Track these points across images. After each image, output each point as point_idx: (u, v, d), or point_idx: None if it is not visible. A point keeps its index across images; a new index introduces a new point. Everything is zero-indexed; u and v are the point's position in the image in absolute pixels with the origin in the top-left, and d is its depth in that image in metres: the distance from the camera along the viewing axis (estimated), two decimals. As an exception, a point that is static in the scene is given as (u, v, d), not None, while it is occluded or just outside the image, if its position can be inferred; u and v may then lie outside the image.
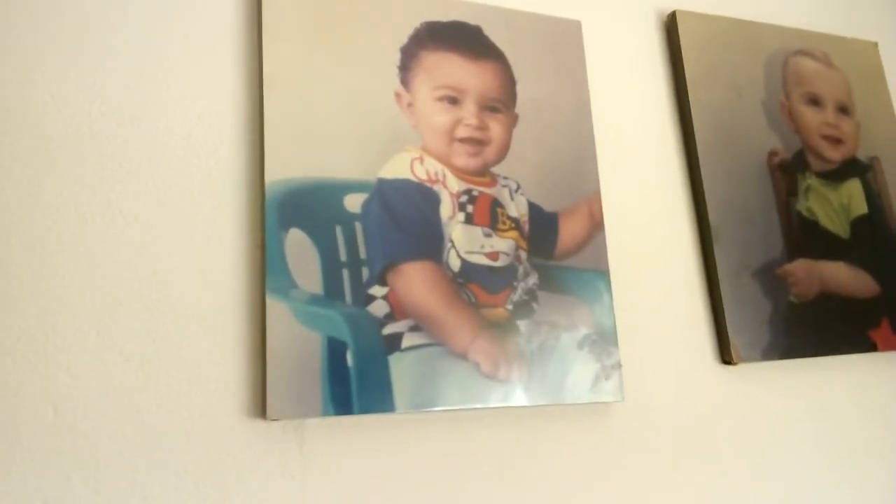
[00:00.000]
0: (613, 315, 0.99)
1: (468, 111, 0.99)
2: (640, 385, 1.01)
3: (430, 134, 0.96)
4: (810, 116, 1.28)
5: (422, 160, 0.94)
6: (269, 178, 0.86)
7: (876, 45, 1.42)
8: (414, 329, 0.87)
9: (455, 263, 0.92)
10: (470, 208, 0.95)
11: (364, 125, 0.93)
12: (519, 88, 1.04)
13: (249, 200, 0.87)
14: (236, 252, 0.85)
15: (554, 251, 0.99)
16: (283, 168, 0.87)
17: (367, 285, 0.87)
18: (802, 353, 1.11)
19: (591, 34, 1.15)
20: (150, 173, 0.84)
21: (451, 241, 0.93)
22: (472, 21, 1.04)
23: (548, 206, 1.01)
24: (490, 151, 0.99)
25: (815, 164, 1.25)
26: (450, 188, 0.95)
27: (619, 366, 0.97)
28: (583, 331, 0.97)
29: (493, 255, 0.95)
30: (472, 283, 0.92)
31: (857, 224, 1.25)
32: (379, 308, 0.87)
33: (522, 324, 0.94)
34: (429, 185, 0.94)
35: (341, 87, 0.93)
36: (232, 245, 0.85)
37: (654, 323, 1.06)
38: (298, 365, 0.81)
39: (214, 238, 0.85)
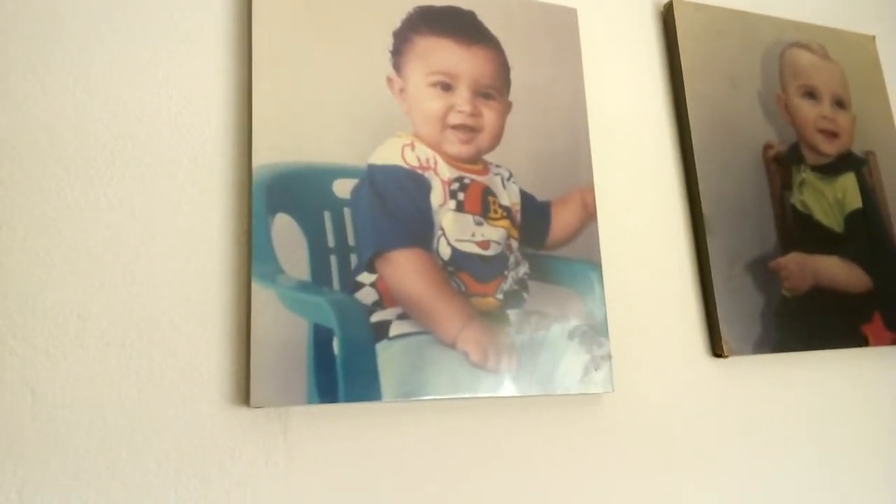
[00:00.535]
0: (604, 306, 0.98)
1: (461, 97, 0.98)
2: (630, 376, 1.00)
3: (422, 120, 0.95)
4: (806, 109, 1.27)
5: (413, 146, 0.93)
6: (256, 162, 0.85)
7: (873, 38, 1.41)
8: (402, 317, 0.86)
9: (445, 251, 0.91)
10: (461, 196, 0.94)
11: (355, 110, 0.92)
12: (513, 75, 1.03)
13: (236, 184, 0.86)
14: (222, 236, 0.84)
15: (546, 241, 0.98)
16: (271, 152, 0.86)
17: (356, 272, 0.86)
18: (794, 346, 1.11)
19: (587, 22, 1.14)
20: (135, 156, 0.83)
21: (442, 229, 0.92)
22: (465, 6, 1.02)
23: (540, 196, 1.00)
24: (483, 139, 0.98)
25: (811, 157, 1.24)
26: (441, 175, 0.94)
27: (609, 357, 0.96)
28: (573, 321, 0.96)
29: (484, 244, 0.94)
30: (462, 271, 0.91)
31: (852, 218, 1.24)
32: (367, 295, 0.85)
33: (513, 313, 0.93)
34: (420, 171, 0.93)
35: (332, 72, 0.92)
36: (218, 229, 0.84)
37: (645, 314, 1.05)
38: (284, 352, 0.80)
39: (200, 222, 0.83)
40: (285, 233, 0.84)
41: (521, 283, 0.94)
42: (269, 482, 0.79)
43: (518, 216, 0.97)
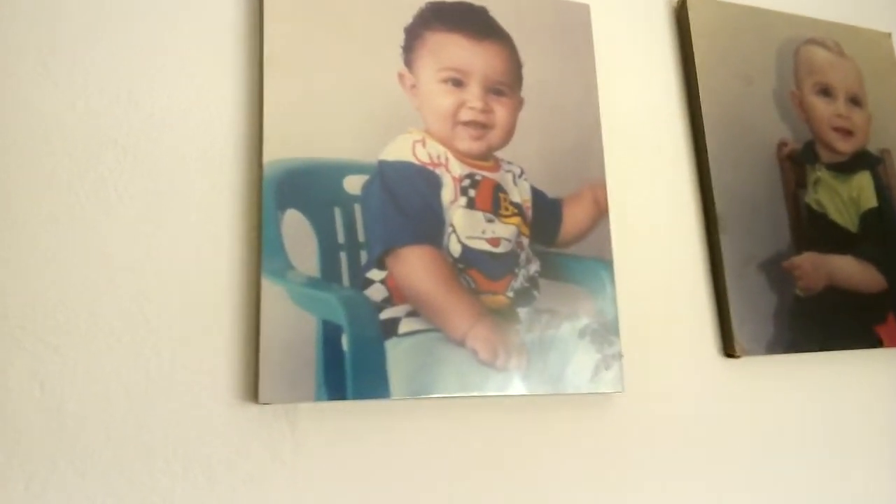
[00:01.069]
0: (615, 304, 0.98)
1: (472, 94, 0.97)
2: (640, 376, 1.00)
3: (433, 116, 0.94)
4: (821, 107, 1.25)
5: (424, 143, 0.93)
6: (267, 157, 0.84)
7: (889, 35, 1.39)
8: (411, 314, 0.86)
9: (455, 248, 0.90)
10: (472, 193, 0.94)
11: (365, 106, 0.91)
12: (525, 71, 1.02)
13: (246, 180, 0.86)
14: (232, 232, 0.83)
15: (557, 238, 0.98)
16: (282, 148, 0.85)
17: (366, 269, 0.85)
18: (807, 347, 1.10)
19: (600, 18, 1.13)
20: (145, 151, 0.82)
21: (452, 226, 0.91)
22: (477, 2, 1.02)
23: (551, 193, 0.99)
24: (494, 135, 0.97)
25: (825, 155, 1.22)
26: (452, 172, 0.93)
27: (619, 356, 0.95)
28: (584, 320, 0.95)
29: (495, 241, 0.93)
30: (472, 268, 0.91)
31: (867, 218, 1.22)
32: (377, 292, 0.85)
33: (523, 311, 0.92)
34: (431, 168, 0.92)
35: (343, 68, 0.91)
36: (227, 225, 0.84)
37: (656, 313, 1.04)
38: (292, 348, 0.79)
39: (210, 217, 0.83)
40: (295, 229, 0.83)
41: (532, 281, 0.94)
42: (277, 479, 0.79)
43: (529, 213, 0.97)
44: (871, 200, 1.24)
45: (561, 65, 1.05)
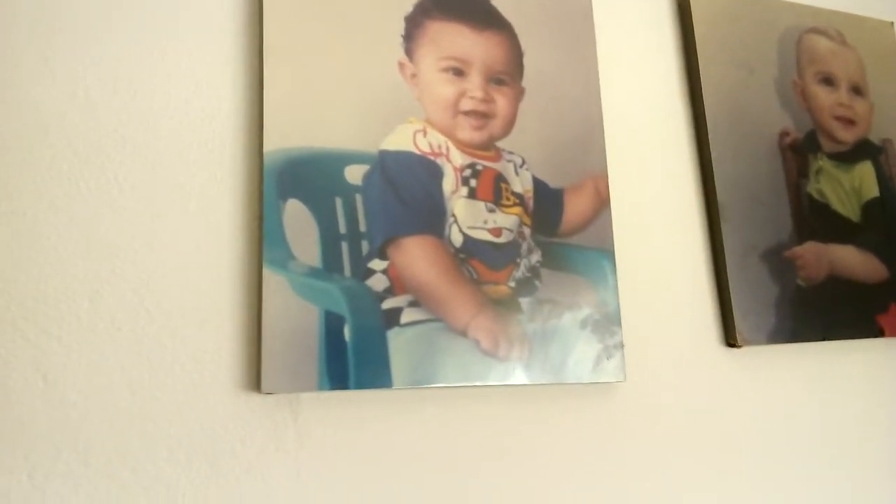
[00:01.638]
0: (617, 294, 0.98)
1: (473, 83, 0.97)
2: (642, 366, 1.00)
3: (434, 106, 0.94)
4: (823, 96, 1.25)
5: (425, 132, 0.92)
6: (267, 147, 0.84)
7: (891, 24, 1.38)
8: (413, 304, 0.86)
9: (457, 238, 0.90)
10: (473, 182, 0.93)
11: (366, 96, 0.91)
12: (526, 60, 1.01)
13: (247, 170, 0.85)
14: (233, 222, 0.83)
15: (558, 228, 0.97)
16: (283, 138, 0.85)
17: (367, 259, 0.85)
18: (809, 337, 1.10)
19: (601, 6, 1.12)
20: (145, 141, 0.82)
21: (454, 216, 0.91)
22: (478, -10, 1.01)
23: (553, 183, 0.99)
24: (495, 125, 0.97)
25: (827, 145, 1.22)
26: (453, 162, 0.93)
27: (621, 346, 0.96)
28: (586, 310, 0.95)
29: (496, 231, 0.93)
30: (473, 258, 0.90)
31: (868, 207, 1.22)
32: (378, 282, 0.85)
33: (524, 301, 0.92)
34: (432, 158, 0.92)
35: (343, 57, 0.91)
36: (229, 215, 0.83)
37: (658, 303, 1.04)
38: (294, 338, 0.79)
39: (211, 207, 0.83)
40: (296, 219, 0.83)
41: (534, 271, 0.94)
42: (280, 468, 0.79)
43: (531, 203, 0.97)
44: (872, 190, 1.24)
45: (562, 54, 1.05)
